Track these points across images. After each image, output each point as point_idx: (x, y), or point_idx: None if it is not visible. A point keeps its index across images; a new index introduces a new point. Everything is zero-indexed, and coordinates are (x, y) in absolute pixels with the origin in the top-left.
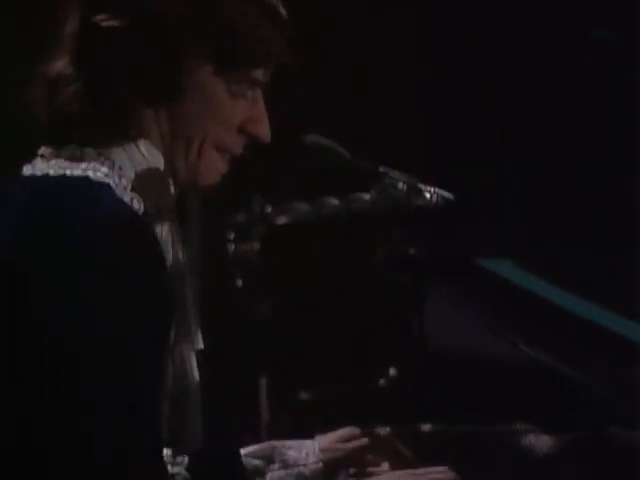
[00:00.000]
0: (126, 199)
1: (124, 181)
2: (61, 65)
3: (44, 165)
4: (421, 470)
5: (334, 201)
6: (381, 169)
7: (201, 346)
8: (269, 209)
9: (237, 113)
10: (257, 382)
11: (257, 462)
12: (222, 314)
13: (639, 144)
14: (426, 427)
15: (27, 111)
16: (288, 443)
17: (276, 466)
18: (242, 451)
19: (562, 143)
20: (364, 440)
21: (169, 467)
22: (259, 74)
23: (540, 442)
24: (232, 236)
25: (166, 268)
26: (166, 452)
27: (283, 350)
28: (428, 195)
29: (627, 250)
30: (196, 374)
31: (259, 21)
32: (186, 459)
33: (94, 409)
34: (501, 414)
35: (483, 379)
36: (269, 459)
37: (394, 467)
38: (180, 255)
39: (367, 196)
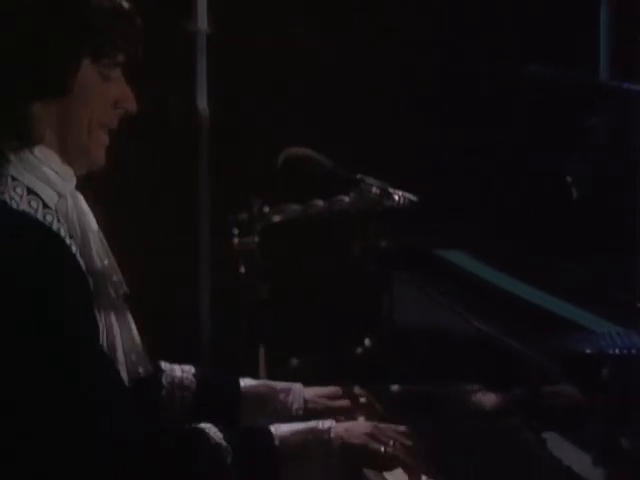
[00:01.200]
0: (23, 205)
1: (19, 189)
2: None
3: None
4: (384, 425)
5: (320, 203)
6: (358, 176)
7: (124, 289)
8: (267, 209)
9: (110, 92)
10: (257, 350)
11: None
12: (229, 295)
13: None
14: (394, 387)
15: None
16: (280, 385)
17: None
18: (241, 382)
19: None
20: (345, 402)
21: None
22: (120, 59)
23: (486, 399)
24: (236, 232)
25: (67, 253)
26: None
27: (278, 324)
28: (396, 197)
29: (558, 240)
30: (124, 314)
31: (115, 22)
32: (192, 368)
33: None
34: (455, 376)
35: (440, 348)
36: (263, 396)
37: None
38: (91, 226)
39: (347, 198)
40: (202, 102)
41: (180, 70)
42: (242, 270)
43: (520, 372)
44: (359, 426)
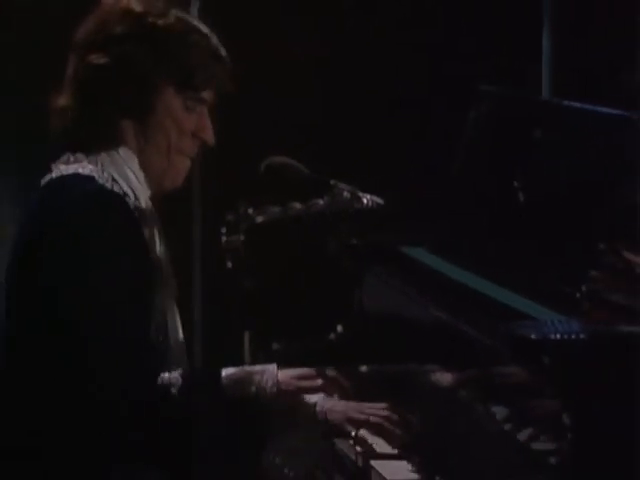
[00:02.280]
0: (107, 185)
1: (105, 174)
2: (64, 99)
3: (52, 170)
4: (368, 404)
5: (298, 205)
6: (331, 182)
7: (177, 294)
8: (251, 211)
9: (190, 122)
10: (242, 335)
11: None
12: (217, 287)
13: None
14: (363, 368)
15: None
16: (256, 368)
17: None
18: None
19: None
20: (315, 382)
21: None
22: (206, 95)
23: (443, 377)
24: (224, 230)
25: (140, 231)
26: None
27: (261, 312)
28: (365, 200)
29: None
30: (178, 320)
31: (206, 59)
32: (180, 370)
33: (97, 340)
34: (416, 358)
35: (403, 333)
36: (241, 381)
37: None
38: (156, 220)
39: (321, 201)
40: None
41: None
42: (229, 265)
43: (473, 354)
44: (342, 403)
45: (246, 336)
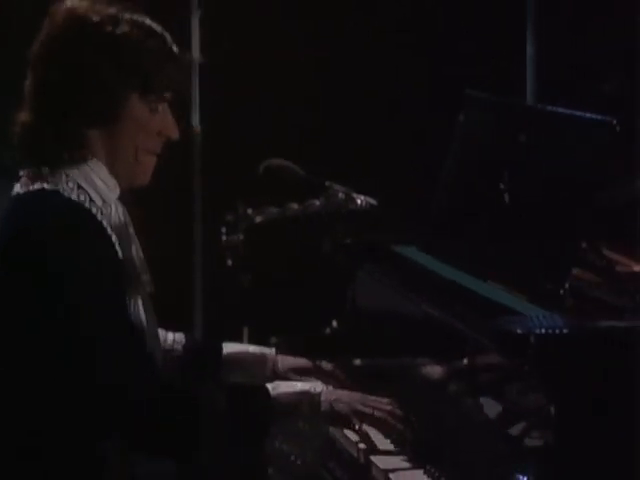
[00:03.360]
0: (73, 196)
1: (70, 184)
2: (26, 115)
3: (19, 185)
4: (372, 397)
5: (295, 206)
6: (327, 183)
7: (151, 290)
8: (250, 211)
9: (155, 123)
10: (241, 330)
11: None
12: (218, 284)
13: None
14: (356, 361)
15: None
16: (257, 355)
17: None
18: (224, 347)
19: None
20: (311, 377)
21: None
22: (167, 95)
23: (433, 370)
24: (224, 230)
25: (104, 236)
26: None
27: (260, 308)
28: (359, 201)
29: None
30: (142, 313)
31: (164, 62)
32: (183, 338)
33: (92, 343)
34: (407, 352)
35: (395, 328)
36: (241, 363)
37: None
38: (126, 223)
39: (317, 202)
40: (195, 120)
41: None
42: (229, 263)
43: (462, 348)
44: (347, 394)
45: (245, 331)
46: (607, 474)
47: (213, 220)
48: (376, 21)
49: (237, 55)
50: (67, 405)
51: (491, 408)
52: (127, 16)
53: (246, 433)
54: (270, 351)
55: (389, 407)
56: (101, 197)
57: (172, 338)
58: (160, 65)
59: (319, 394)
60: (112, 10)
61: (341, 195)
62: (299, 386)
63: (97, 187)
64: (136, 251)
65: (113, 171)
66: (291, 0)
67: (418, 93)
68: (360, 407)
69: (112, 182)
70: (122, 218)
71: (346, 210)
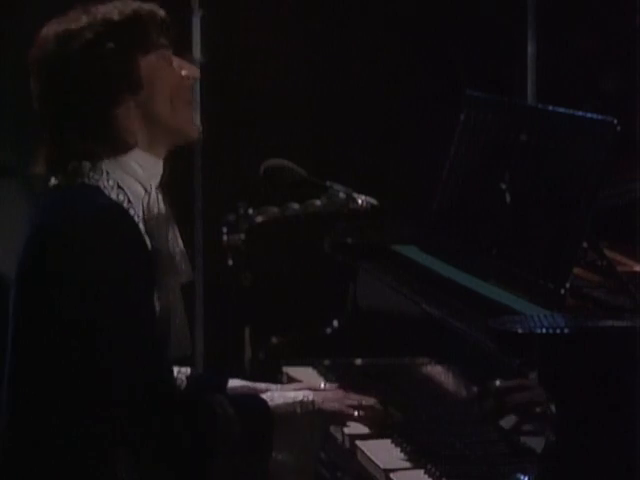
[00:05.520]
0: (112, 195)
1: (110, 182)
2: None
3: (59, 177)
4: (355, 396)
5: (295, 206)
6: (327, 183)
7: (190, 278)
8: (251, 211)
9: (175, 71)
10: (243, 330)
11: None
12: (219, 283)
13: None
14: (357, 361)
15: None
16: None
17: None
18: (229, 382)
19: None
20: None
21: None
22: (163, 42)
23: (433, 370)
24: (225, 230)
25: (138, 238)
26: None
27: (260, 308)
28: (360, 201)
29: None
30: (174, 302)
31: (147, 20)
32: (188, 370)
33: (111, 341)
34: (408, 352)
35: (396, 327)
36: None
37: None
38: (165, 211)
39: (318, 202)
40: (196, 119)
41: None
42: (230, 262)
43: (462, 348)
44: (331, 394)
45: (246, 331)
46: (607, 474)
47: (214, 220)
48: (376, 21)
49: (237, 55)
50: (78, 404)
51: (491, 408)
52: (100, 11)
53: (250, 446)
54: (276, 387)
55: (373, 405)
56: (142, 185)
57: (177, 370)
58: (146, 22)
59: (312, 402)
60: (84, 17)
61: (342, 195)
62: (292, 395)
63: (137, 175)
64: (174, 240)
65: (157, 144)
66: (292, 0)
67: (418, 93)
68: (346, 409)
69: (155, 168)
70: (161, 206)
71: (347, 210)
